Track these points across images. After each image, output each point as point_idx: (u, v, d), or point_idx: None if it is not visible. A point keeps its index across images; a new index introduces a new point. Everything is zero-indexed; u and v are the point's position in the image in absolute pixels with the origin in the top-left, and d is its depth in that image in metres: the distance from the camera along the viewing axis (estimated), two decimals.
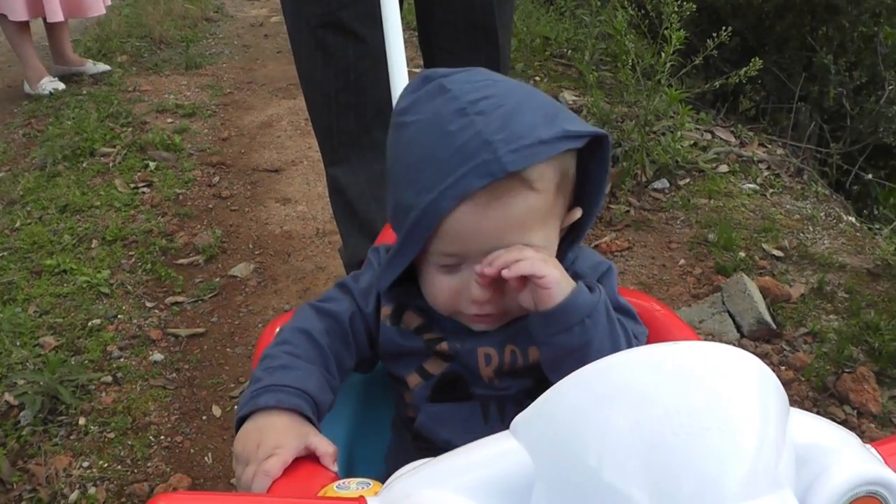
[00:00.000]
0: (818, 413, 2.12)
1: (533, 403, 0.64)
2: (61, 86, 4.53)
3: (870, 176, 4.13)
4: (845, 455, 0.67)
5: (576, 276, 0.98)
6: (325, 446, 0.85)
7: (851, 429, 2.08)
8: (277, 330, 1.05)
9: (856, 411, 2.15)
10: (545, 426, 0.62)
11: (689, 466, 0.57)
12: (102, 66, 4.84)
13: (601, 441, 0.59)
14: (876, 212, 4.05)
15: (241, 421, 0.90)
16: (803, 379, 2.25)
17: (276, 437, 0.84)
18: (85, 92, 4.51)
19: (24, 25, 4.42)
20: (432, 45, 2.02)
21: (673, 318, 1.26)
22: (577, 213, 1.03)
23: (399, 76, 1.46)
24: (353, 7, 1.76)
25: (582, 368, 0.63)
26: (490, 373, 1.02)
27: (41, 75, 4.53)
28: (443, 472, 0.64)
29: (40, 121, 4.16)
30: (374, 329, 1.05)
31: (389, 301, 1.05)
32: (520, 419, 0.65)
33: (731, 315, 2.43)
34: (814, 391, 2.22)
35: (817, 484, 0.65)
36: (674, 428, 0.58)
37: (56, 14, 4.33)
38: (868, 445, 0.72)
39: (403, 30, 1.67)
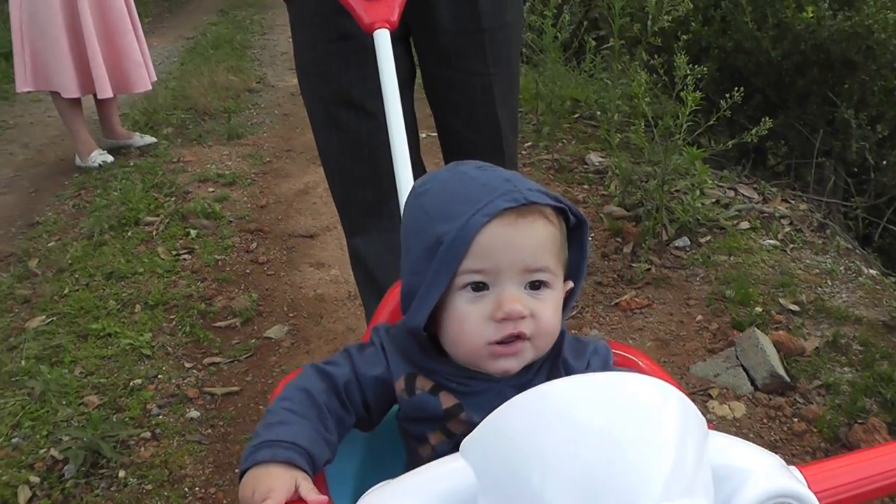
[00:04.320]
0: None
1: (477, 427, 0.75)
2: (110, 158, 4.76)
3: None
4: (760, 472, 0.76)
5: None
6: (308, 491, 0.93)
7: None
8: (283, 387, 1.15)
9: None
10: (488, 448, 0.74)
11: (614, 478, 0.67)
12: (149, 139, 5.08)
13: (540, 463, 0.69)
14: None
15: (244, 473, 1.00)
16: (815, 430, 2.31)
17: (268, 483, 0.93)
18: (132, 164, 4.73)
19: (76, 101, 4.68)
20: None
21: (657, 370, 1.35)
22: (570, 284, 1.12)
23: (400, 150, 1.56)
24: (363, 85, 1.86)
25: (519, 396, 0.74)
26: None
27: (91, 148, 4.77)
28: (401, 489, 0.76)
29: (89, 192, 4.37)
30: (369, 393, 1.11)
31: (400, 372, 1.11)
32: (467, 441, 0.76)
33: (744, 369, 2.50)
34: (825, 442, 2.27)
35: (734, 499, 0.74)
36: (602, 449, 0.68)
37: (105, 91, 4.58)
38: (792, 467, 0.81)
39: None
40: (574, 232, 1.10)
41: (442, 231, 1.01)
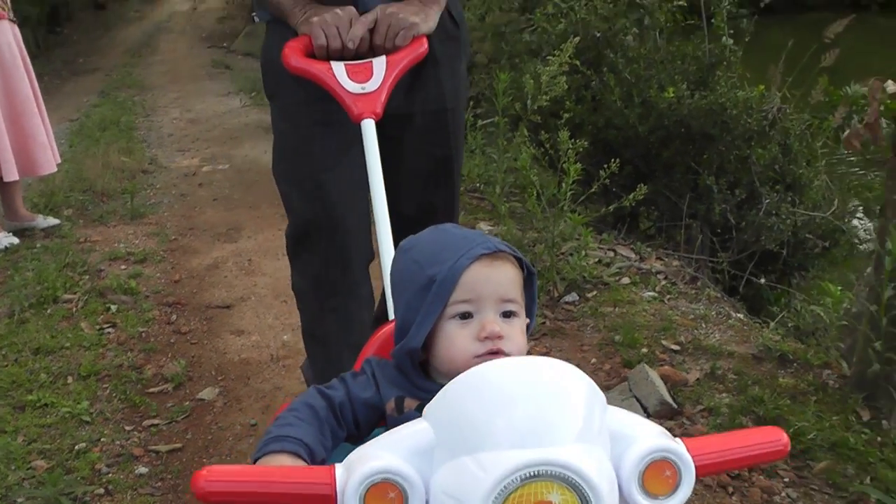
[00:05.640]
0: None
1: (436, 397, 1.04)
2: (16, 240, 4.82)
3: (763, 280, 4.69)
4: (646, 435, 1.04)
5: None
6: None
7: (742, 482, 2.50)
8: (291, 402, 1.42)
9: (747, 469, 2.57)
10: (442, 412, 1.02)
11: (538, 431, 0.94)
12: (52, 220, 5.15)
13: (481, 421, 0.96)
14: (772, 311, 4.57)
15: (255, 462, 1.23)
16: None
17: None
18: (39, 245, 4.82)
19: None
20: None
21: None
22: (526, 321, 1.39)
23: (384, 230, 1.77)
24: (335, 170, 2.07)
25: (464, 373, 1.03)
26: None
27: None
28: (381, 443, 1.03)
29: None
30: (359, 413, 1.36)
31: (390, 395, 1.35)
32: (428, 407, 1.04)
33: (637, 399, 2.86)
34: None
35: (625, 454, 1.01)
36: (528, 412, 0.96)
37: (12, 174, 4.70)
38: (676, 438, 1.08)
39: None
40: (526, 282, 1.38)
41: (433, 272, 1.29)
